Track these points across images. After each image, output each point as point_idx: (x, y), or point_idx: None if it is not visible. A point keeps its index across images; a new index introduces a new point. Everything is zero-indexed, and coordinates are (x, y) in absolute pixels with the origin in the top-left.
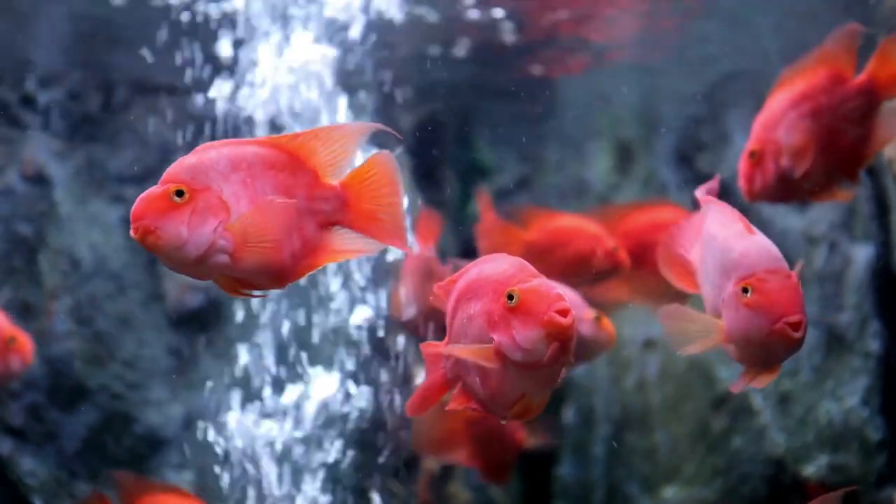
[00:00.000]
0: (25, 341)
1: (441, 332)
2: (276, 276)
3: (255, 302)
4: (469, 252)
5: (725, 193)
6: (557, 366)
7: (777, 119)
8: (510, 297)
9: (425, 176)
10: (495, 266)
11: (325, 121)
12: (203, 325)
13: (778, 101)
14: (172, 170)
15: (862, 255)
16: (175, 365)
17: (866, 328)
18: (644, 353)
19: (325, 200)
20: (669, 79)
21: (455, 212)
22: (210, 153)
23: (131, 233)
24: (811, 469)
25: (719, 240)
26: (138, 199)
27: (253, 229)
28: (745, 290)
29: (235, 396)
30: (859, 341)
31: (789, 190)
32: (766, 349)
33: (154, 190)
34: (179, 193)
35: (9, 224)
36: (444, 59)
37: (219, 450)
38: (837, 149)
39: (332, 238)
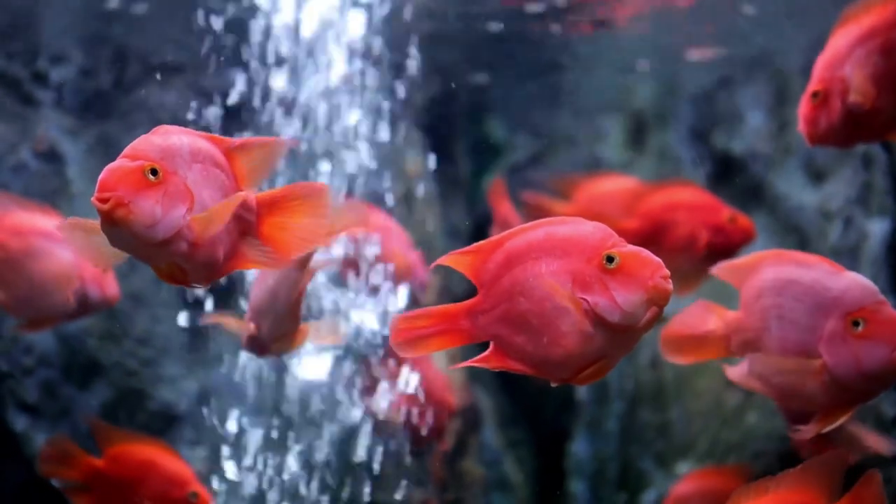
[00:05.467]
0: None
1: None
2: (211, 272)
3: None
4: (481, 228)
5: (738, 170)
6: (646, 331)
7: (842, 57)
8: (609, 260)
9: (438, 152)
10: (576, 228)
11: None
12: (216, 301)
13: (842, 38)
14: (141, 147)
15: (877, 229)
16: (188, 341)
17: None
18: (658, 330)
19: (248, 210)
20: (684, 55)
21: (468, 189)
22: (173, 138)
23: (96, 201)
24: None
25: (806, 282)
26: (109, 169)
27: (213, 225)
28: (855, 324)
29: None
30: None
31: (857, 129)
32: (878, 380)
33: (125, 163)
34: (154, 172)
35: None
36: (459, 34)
37: None
38: None
39: (246, 246)
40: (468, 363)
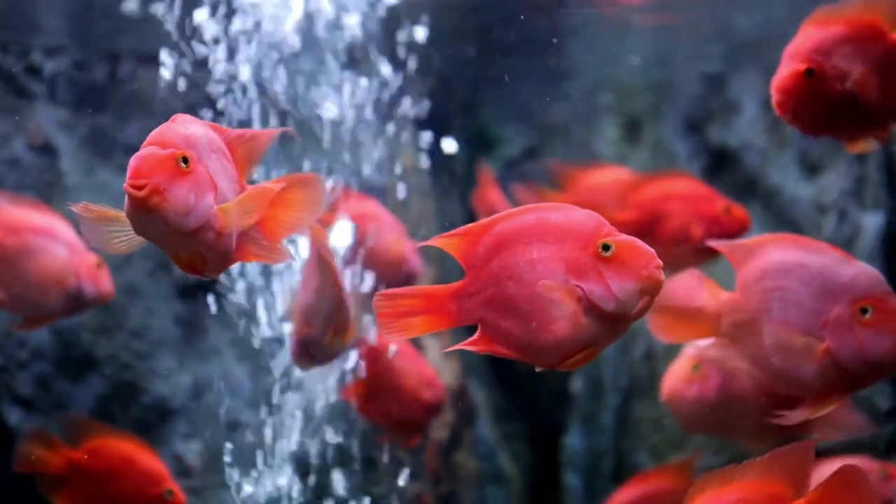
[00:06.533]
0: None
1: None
2: (226, 262)
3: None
4: (475, 220)
5: (733, 163)
6: (637, 320)
7: (829, 47)
8: (605, 248)
9: (433, 145)
10: (569, 215)
11: None
12: (210, 294)
13: (825, 32)
14: (168, 135)
15: (872, 223)
16: (183, 335)
17: None
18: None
19: None
20: (680, 46)
21: (462, 182)
22: (192, 127)
23: (130, 188)
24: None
25: (815, 267)
26: (142, 156)
27: (237, 216)
28: (863, 311)
29: None
30: None
31: (847, 117)
32: (879, 368)
33: (157, 151)
34: (185, 161)
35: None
36: (452, 26)
37: None
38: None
39: (247, 239)
40: (459, 346)
